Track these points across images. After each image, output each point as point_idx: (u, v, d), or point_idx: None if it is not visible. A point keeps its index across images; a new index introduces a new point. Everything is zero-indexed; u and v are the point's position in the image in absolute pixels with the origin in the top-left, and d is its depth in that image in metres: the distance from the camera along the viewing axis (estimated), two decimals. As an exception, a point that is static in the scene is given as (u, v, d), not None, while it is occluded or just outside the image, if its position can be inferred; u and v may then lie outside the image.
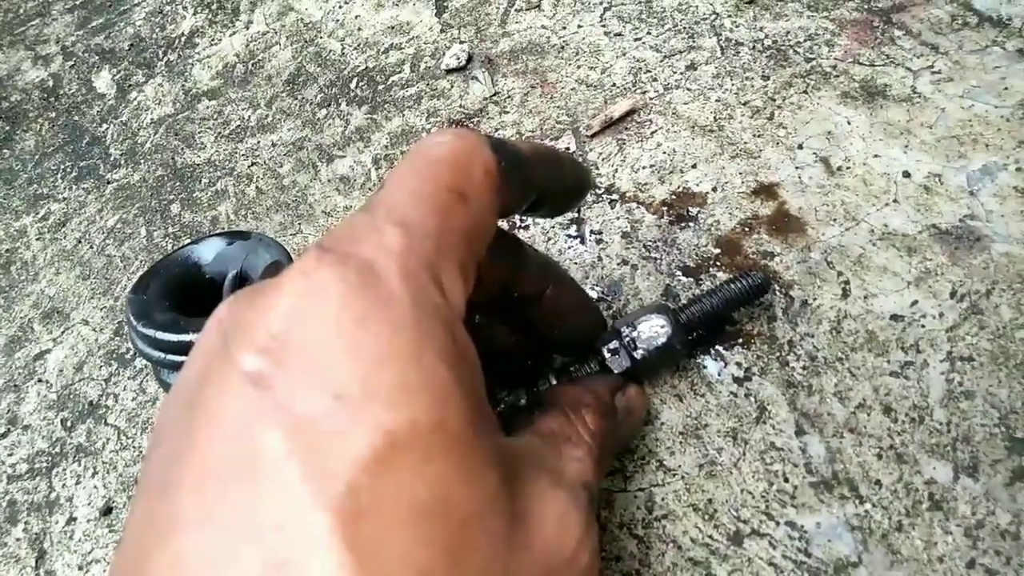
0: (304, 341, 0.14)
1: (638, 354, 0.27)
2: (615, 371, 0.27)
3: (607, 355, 0.28)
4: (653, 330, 0.27)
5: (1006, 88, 0.34)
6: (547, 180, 0.22)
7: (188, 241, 0.37)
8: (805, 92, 0.37)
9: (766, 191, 0.35)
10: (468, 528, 0.14)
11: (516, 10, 0.48)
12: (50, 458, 0.39)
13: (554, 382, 0.28)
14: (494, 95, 0.44)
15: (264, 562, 0.13)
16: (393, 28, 0.51)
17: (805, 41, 0.39)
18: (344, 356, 0.14)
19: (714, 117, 0.38)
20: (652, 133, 0.39)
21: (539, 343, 0.27)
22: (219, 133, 0.51)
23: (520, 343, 0.27)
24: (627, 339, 0.27)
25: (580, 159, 0.39)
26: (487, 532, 0.15)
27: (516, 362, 0.28)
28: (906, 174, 0.33)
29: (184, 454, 0.14)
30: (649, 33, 0.43)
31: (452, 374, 0.15)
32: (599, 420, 0.24)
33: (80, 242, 0.49)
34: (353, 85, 0.49)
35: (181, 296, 0.29)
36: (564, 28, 0.46)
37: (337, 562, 0.13)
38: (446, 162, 0.18)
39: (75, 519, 0.36)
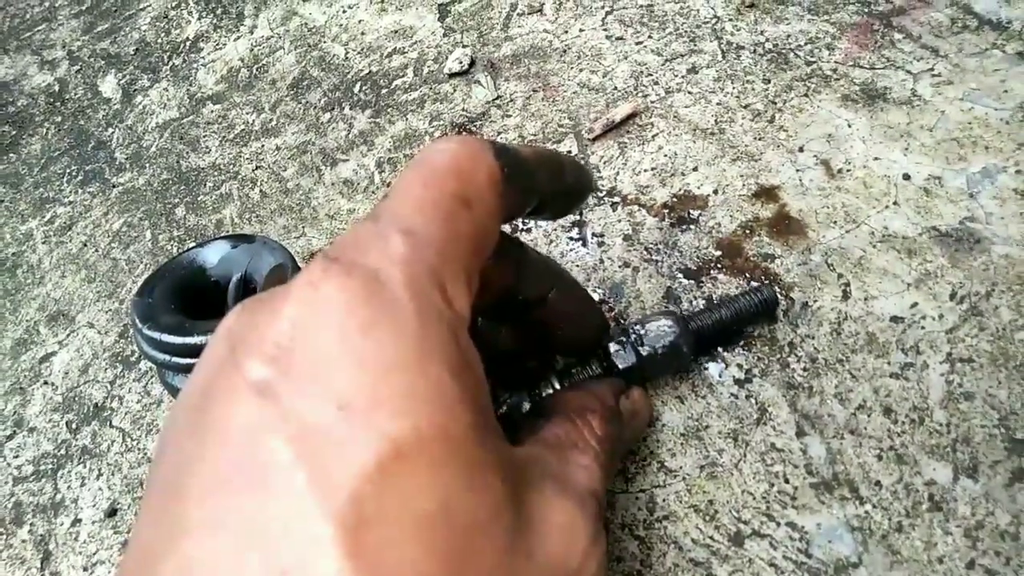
0: (310, 350, 0.15)
1: (644, 351, 0.27)
2: (620, 366, 0.28)
3: (612, 351, 0.28)
4: (660, 329, 0.27)
5: (1006, 91, 0.34)
6: (549, 184, 0.22)
7: (193, 244, 0.37)
8: (806, 95, 0.37)
9: (767, 194, 0.35)
10: (472, 537, 0.14)
11: (518, 14, 0.48)
12: (55, 460, 0.39)
13: (556, 384, 0.28)
14: (496, 99, 0.44)
15: (268, 570, 0.13)
16: (396, 32, 0.51)
17: (806, 44, 0.39)
18: (349, 365, 0.14)
19: (715, 120, 0.38)
20: (653, 136, 0.39)
21: (541, 345, 0.27)
22: (224, 137, 0.51)
23: (522, 345, 0.27)
24: (634, 336, 0.28)
25: (582, 162, 0.39)
26: (491, 541, 0.15)
27: (518, 364, 0.28)
28: (906, 176, 0.33)
29: (192, 460, 0.14)
30: (650, 37, 0.43)
31: (457, 383, 0.15)
32: (605, 425, 0.24)
33: (86, 245, 0.49)
34: (357, 89, 0.49)
35: (186, 299, 0.29)
36: (566, 32, 0.46)
37: (339, 571, 0.13)
38: (450, 169, 0.18)
39: (80, 521, 0.37)
